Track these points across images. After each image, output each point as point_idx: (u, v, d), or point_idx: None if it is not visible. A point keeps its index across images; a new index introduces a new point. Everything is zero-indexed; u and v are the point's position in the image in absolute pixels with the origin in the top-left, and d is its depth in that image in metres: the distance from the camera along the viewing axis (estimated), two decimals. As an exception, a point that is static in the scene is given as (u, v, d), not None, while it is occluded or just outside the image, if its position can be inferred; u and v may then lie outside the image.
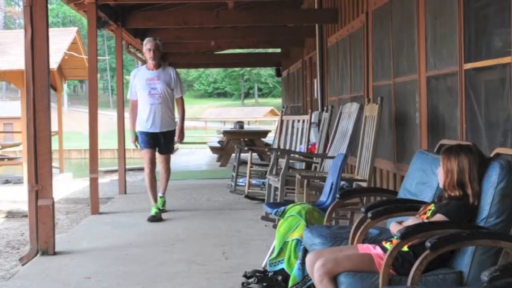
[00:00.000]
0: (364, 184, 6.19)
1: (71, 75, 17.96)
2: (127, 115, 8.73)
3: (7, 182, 13.98)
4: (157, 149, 7.66)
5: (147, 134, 7.53)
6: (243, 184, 9.16)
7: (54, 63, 14.18)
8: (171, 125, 7.66)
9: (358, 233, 3.63)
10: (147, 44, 7.51)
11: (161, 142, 7.62)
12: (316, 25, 11.77)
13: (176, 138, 7.73)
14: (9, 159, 16.62)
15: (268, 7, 11.91)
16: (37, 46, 5.71)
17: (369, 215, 3.54)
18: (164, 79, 7.47)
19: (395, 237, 3.23)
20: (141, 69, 7.70)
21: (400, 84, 6.81)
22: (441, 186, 3.39)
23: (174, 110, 7.69)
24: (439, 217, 3.21)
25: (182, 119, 7.83)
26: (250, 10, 11.67)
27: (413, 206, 3.76)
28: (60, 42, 15.07)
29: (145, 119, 7.49)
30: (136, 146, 7.74)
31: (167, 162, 7.82)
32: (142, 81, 7.46)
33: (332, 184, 5.20)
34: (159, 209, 7.56)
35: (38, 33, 5.71)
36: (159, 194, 7.76)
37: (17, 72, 13.72)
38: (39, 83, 5.72)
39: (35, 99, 5.71)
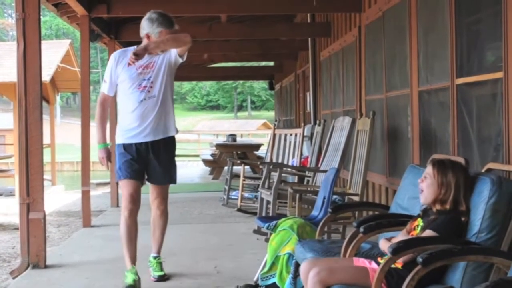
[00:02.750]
0: (356, 198, 6.19)
1: (64, 87, 17.96)
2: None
3: (-1, 194, 13.94)
4: (146, 176, 5.16)
5: (131, 150, 5.03)
6: (236, 197, 9.15)
7: (47, 76, 14.18)
8: (171, 130, 5.15)
9: (350, 248, 3.63)
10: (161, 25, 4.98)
11: (154, 162, 5.07)
12: (309, 39, 11.81)
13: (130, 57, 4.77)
14: (1, 171, 16.57)
15: (261, 20, 11.95)
16: (29, 58, 5.71)
17: (361, 229, 3.53)
18: (160, 66, 5.04)
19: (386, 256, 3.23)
20: (128, 51, 4.98)
21: (392, 98, 6.83)
22: (427, 199, 3.35)
23: (173, 109, 5.25)
24: (428, 233, 3.20)
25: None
26: (243, 23, 11.72)
27: (405, 221, 3.75)
28: (53, 54, 15.08)
29: (130, 122, 5.03)
30: (107, 166, 5.21)
31: (165, 199, 5.27)
32: (131, 69, 4.97)
33: (324, 198, 5.20)
34: (137, 275, 4.88)
35: (30, 46, 5.71)
36: (153, 254, 5.29)
37: (9, 84, 13.71)
38: (31, 96, 5.71)
39: (27, 111, 5.70)
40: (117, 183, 5.50)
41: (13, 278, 5.55)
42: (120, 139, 5.08)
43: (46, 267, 5.72)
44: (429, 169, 3.37)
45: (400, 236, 3.43)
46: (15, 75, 5.91)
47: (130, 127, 5.03)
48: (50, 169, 15.90)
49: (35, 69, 5.74)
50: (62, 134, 33.01)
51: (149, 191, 5.25)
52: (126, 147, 5.03)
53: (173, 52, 5.05)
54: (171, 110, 5.18)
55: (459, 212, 3.23)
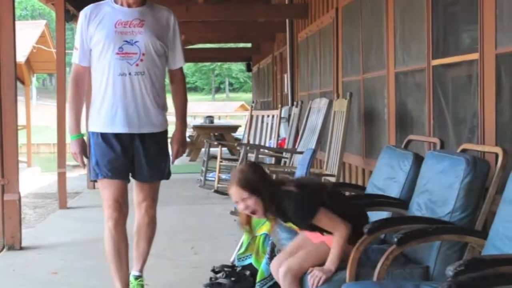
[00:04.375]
0: (333, 179, 6.21)
1: (39, 69, 17.79)
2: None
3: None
4: (130, 174, 3.97)
5: (110, 140, 3.86)
6: (213, 179, 9.15)
7: (21, 56, 14.03)
8: (159, 121, 3.96)
9: (326, 228, 3.63)
10: None
11: (141, 156, 3.91)
12: (287, 20, 11.78)
13: (172, 152, 4.10)
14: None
15: (239, 2, 11.90)
16: (3, 39, 5.67)
17: (337, 210, 3.54)
18: (153, 27, 3.87)
19: None
20: (103, 5, 3.93)
21: (369, 80, 6.84)
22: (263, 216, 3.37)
23: (165, 93, 4.05)
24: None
25: (183, 113, 4.11)
26: (221, 4, 11.64)
27: (380, 201, 3.79)
28: (29, 35, 14.91)
29: (107, 106, 3.85)
30: (83, 165, 4.01)
31: (155, 202, 4.18)
32: (107, 27, 3.82)
33: (300, 179, 5.20)
34: None
35: (4, 27, 5.67)
36: (134, 272, 4.12)
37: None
38: (5, 77, 5.67)
39: (1, 92, 5.65)
40: (94, 181, 4.07)
41: (-12, 259, 5.51)
42: (96, 126, 3.88)
43: (21, 248, 5.70)
44: (235, 194, 3.29)
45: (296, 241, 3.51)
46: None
47: (106, 114, 3.83)
48: (26, 151, 15.78)
49: (9, 50, 5.69)
50: (38, 115, 32.78)
51: (133, 190, 4.08)
52: (103, 136, 3.83)
53: (170, 41, 3.99)
54: (161, 92, 3.96)
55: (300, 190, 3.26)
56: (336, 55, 8.21)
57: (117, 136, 3.85)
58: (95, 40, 3.82)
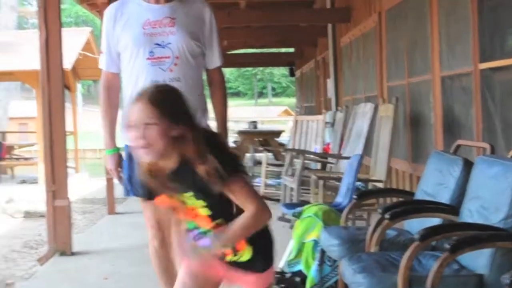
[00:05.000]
0: (380, 185, 6.19)
1: (85, 75, 18.04)
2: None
3: (23, 182, 14.08)
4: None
5: None
6: (259, 184, 9.18)
7: (68, 64, 14.24)
8: None
9: (376, 235, 3.64)
10: None
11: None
12: (329, 25, 11.76)
13: None
14: (25, 159, 16.73)
15: (281, 6, 11.93)
16: (51, 47, 5.78)
17: (387, 216, 3.54)
18: (186, 25, 3.43)
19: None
20: (129, 3, 3.50)
21: (414, 84, 6.80)
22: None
23: (205, 97, 3.67)
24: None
25: (223, 118, 3.70)
26: (263, 9, 11.69)
27: (430, 207, 3.77)
28: (74, 42, 15.14)
29: None
30: (120, 179, 3.60)
31: None
32: (134, 29, 3.41)
33: (348, 185, 5.21)
34: None
35: (52, 34, 5.79)
36: None
37: (31, 72, 13.77)
38: (53, 84, 5.79)
39: (50, 99, 5.77)
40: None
41: (41, 265, 5.64)
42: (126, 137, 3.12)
43: (72, 254, 5.80)
44: (138, 114, 2.31)
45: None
46: (36, 63, 5.98)
47: None
48: (73, 156, 16.02)
49: (57, 57, 5.81)
50: (84, 121, 33.22)
51: None
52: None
53: (206, 38, 3.50)
54: (201, 95, 3.52)
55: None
56: (380, 60, 8.18)
57: None
58: (123, 43, 3.40)
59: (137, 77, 3.37)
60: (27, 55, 13.83)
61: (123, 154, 3.56)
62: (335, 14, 11.08)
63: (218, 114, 3.65)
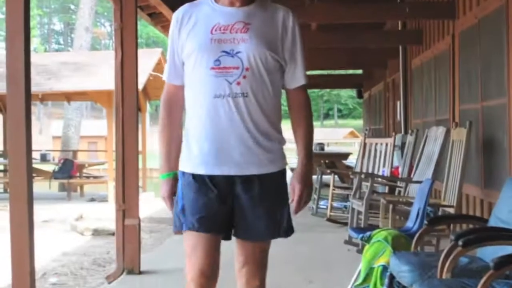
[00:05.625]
0: (451, 210, 6.04)
1: (154, 96, 18.33)
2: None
3: (92, 200, 14.35)
4: (233, 231, 2.97)
5: (204, 183, 2.85)
6: (325, 207, 9.10)
7: (140, 84, 14.50)
8: (271, 158, 2.90)
9: (448, 262, 3.54)
10: None
11: (245, 206, 2.86)
12: (400, 47, 11.65)
13: (293, 203, 2.95)
14: (95, 177, 17.07)
15: (351, 28, 11.87)
16: (126, 68, 5.87)
17: (460, 243, 3.44)
18: (262, 33, 2.87)
19: None
20: (202, 5, 2.98)
21: (488, 108, 6.65)
22: None
23: (280, 120, 2.98)
24: None
25: (307, 145, 3.01)
26: (333, 31, 11.64)
27: (505, 235, 3.65)
28: (146, 63, 15.41)
29: (199, 139, 2.88)
30: (171, 209, 2.99)
31: (260, 268, 3.08)
32: (201, 33, 2.89)
33: (419, 210, 5.11)
34: None
35: (127, 55, 5.87)
36: None
37: (103, 92, 14.09)
38: (128, 104, 5.86)
39: (123, 119, 5.85)
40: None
41: (109, 283, 5.69)
42: (186, 163, 2.91)
43: (140, 273, 5.84)
44: None
45: None
46: (109, 83, 6.07)
47: (197, 149, 2.86)
48: (141, 175, 16.25)
49: (132, 78, 5.89)
50: (152, 141, 33.72)
51: (235, 250, 3.02)
52: (194, 177, 2.86)
53: (287, 49, 2.91)
54: (273, 118, 2.90)
55: None
56: (452, 82, 8.03)
57: (212, 178, 2.83)
58: (187, 50, 2.88)
59: (196, 89, 2.86)
60: (100, 75, 14.16)
61: (177, 184, 2.97)
62: (406, 36, 10.98)
63: (300, 142, 2.98)
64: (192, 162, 2.87)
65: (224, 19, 2.85)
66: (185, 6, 2.96)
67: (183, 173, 2.91)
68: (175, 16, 2.95)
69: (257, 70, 2.81)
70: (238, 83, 2.79)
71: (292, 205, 2.94)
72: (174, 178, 2.98)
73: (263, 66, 2.82)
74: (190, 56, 2.87)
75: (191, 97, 2.91)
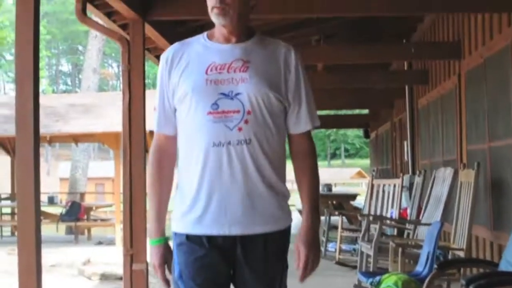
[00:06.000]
0: (461, 253, 5.98)
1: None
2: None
3: (99, 243, 14.27)
4: None
5: (201, 243, 2.53)
6: (333, 249, 9.04)
7: (147, 125, 14.56)
8: (276, 215, 2.58)
9: (460, 308, 3.50)
10: None
11: (246, 269, 2.55)
12: (406, 86, 11.68)
13: (297, 260, 2.57)
14: (102, 220, 17.03)
15: (357, 69, 11.92)
16: (134, 109, 5.88)
17: (471, 288, 3.41)
18: (264, 71, 2.56)
19: None
20: (193, 43, 2.65)
21: (496, 148, 6.63)
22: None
23: (285, 171, 2.64)
24: None
25: (312, 200, 2.62)
26: (339, 72, 11.70)
27: (517, 279, 3.61)
28: (153, 104, 15.48)
29: (195, 195, 2.53)
30: (166, 283, 2.63)
31: None
32: (195, 74, 2.55)
33: (428, 253, 5.06)
34: None
35: (135, 97, 5.89)
36: None
37: (111, 133, 14.12)
38: (135, 146, 5.86)
39: (131, 162, 5.84)
40: None
41: (116, 328, 5.63)
42: (179, 223, 2.59)
43: (148, 318, 5.78)
44: None
45: None
46: (117, 125, 6.07)
47: (190, 202, 2.54)
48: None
49: (139, 120, 5.90)
50: (159, 182, 33.60)
51: None
52: (190, 238, 2.55)
53: (291, 90, 2.59)
54: (278, 168, 2.56)
55: None
56: (459, 123, 8.03)
57: (210, 238, 2.52)
58: (179, 95, 2.55)
59: (191, 138, 2.52)
60: (108, 117, 14.21)
61: (172, 244, 2.66)
62: (412, 76, 11.01)
63: (305, 195, 2.62)
64: (187, 221, 2.54)
65: (220, 58, 2.55)
66: (175, 45, 2.65)
67: (176, 234, 2.60)
68: (164, 57, 2.63)
69: (260, 113, 2.50)
70: (240, 129, 2.47)
71: (297, 272, 2.57)
72: (166, 244, 2.66)
73: (266, 109, 2.51)
74: (183, 100, 2.54)
75: (185, 147, 2.57)
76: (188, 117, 2.53)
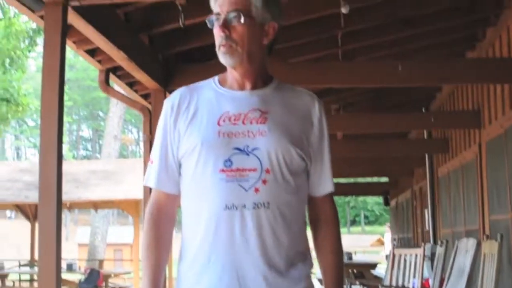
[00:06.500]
0: (486, 327, 5.85)
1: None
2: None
3: (117, 310, 14.16)
4: None
5: None
6: (354, 319, 8.87)
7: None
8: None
9: None
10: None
11: None
12: (426, 155, 11.65)
13: None
14: (120, 287, 16.91)
15: (377, 138, 11.94)
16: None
17: None
18: (285, 123, 2.15)
19: None
20: (202, 88, 2.24)
21: (519, 219, 6.55)
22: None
23: (307, 239, 2.22)
24: None
25: (336, 276, 2.24)
26: (358, 140, 11.72)
27: None
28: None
29: (203, 265, 2.09)
30: None
31: None
32: (206, 124, 2.14)
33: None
34: None
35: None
36: None
37: (130, 200, 14.17)
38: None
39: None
40: None
41: None
42: None
43: None
44: None
45: None
46: (136, 191, 6.10)
47: (198, 273, 2.13)
48: (168, 286, 16.05)
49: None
50: (176, 247, 33.38)
51: None
52: None
53: (314, 145, 2.22)
54: (300, 236, 2.19)
55: None
56: (481, 192, 7.96)
57: None
58: (186, 148, 2.16)
59: (199, 199, 2.13)
60: (128, 184, 14.28)
61: None
62: (432, 145, 11.01)
63: (328, 269, 2.26)
64: None
65: (234, 106, 2.16)
66: (181, 89, 2.26)
67: None
68: (169, 103, 2.23)
69: (280, 171, 2.11)
70: (257, 190, 2.08)
71: None
72: None
73: (286, 167, 2.12)
74: (191, 155, 2.14)
75: (191, 210, 2.17)
76: (195, 174, 2.14)
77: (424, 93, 10.42)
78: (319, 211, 2.28)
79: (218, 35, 2.13)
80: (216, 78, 2.24)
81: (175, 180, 2.21)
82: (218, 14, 2.13)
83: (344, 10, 4.60)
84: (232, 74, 2.20)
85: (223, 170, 2.08)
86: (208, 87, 2.23)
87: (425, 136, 11.66)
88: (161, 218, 2.23)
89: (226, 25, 2.11)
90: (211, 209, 2.08)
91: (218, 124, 2.12)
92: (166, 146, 2.21)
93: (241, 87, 2.20)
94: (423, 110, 10.83)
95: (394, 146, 10.94)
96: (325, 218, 2.27)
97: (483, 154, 7.92)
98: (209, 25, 2.17)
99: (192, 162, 2.13)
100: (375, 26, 6.44)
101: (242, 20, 2.11)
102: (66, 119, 58.44)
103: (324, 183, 2.26)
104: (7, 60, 17.84)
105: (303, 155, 2.15)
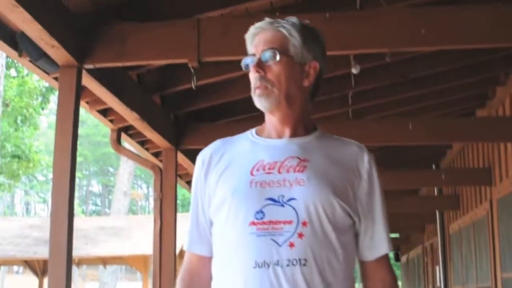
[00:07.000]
0: None
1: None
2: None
3: None
4: None
5: None
6: None
7: (177, 248, 14.54)
8: None
9: None
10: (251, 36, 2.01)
11: None
12: (437, 211, 11.60)
13: None
14: None
15: (387, 194, 11.86)
16: (165, 235, 5.99)
17: None
18: (326, 174, 1.91)
19: None
20: (238, 140, 2.06)
21: (532, 277, 6.49)
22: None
23: None
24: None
25: None
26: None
27: None
28: (183, 225, 15.50)
29: None
30: None
31: None
32: (238, 175, 1.94)
33: None
34: None
35: (166, 223, 5.99)
36: None
37: (139, 257, 14.12)
38: (166, 270, 5.90)
39: (161, 286, 5.85)
40: None
41: None
42: None
43: None
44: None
45: None
46: (145, 248, 6.14)
47: None
48: None
49: (170, 245, 5.98)
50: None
51: None
52: None
53: (362, 203, 2.00)
54: None
55: None
56: (493, 249, 7.90)
57: None
58: (216, 202, 1.96)
59: (228, 255, 1.92)
60: (137, 240, 14.26)
61: None
62: (443, 201, 10.97)
63: None
64: None
65: (270, 155, 1.95)
66: (215, 142, 2.09)
67: None
68: (201, 157, 2.06)
69: (320, 225, 1.86)
70: (291, 245, 1.83)
71: None
72: None
73: (328, 220, 1.87)
74: (220, 209, 1.94)
75: (219, 267, 1.95)
76: (225, 230, 1.92)
77: (435, 150, 10.42)
78: (375, 278, 2.01)
79: (252, 76, 1.96)
80: (253, 129, 2.07)
81: (208, 240, 2.01)
82: (253, 54, 1.97)
83: (354, 70, 4.66)
84: (270, 120, 2.01)
85: (253, 223, 1.86)
86: (244, 139, 2.05)
87: (436, 192, 11.63)
88: (193, 283, 2.04)
89: (260, 65, 1.94)
90: (240, 267, 1.85)
91: (251, 174, 1.92)
92: (197, 205, 2.05)
93: (280, 135, 2.00)
94: (434, 167, 10.82)
95: (405, 202, 10.89)
96: (381, 285, 2.00)
97: (494, 211, 7.88)
98: (243, 68, 2.00)
99: (222, 217, 1.93)
100: (385, 86, 6.49)
101: (278, 58, 1.93)
102: (76, 174, 58.33)
103: (378, 244, 2.00)
104: (19, 118, 18.03)
105: (348, 209, 1.91)
